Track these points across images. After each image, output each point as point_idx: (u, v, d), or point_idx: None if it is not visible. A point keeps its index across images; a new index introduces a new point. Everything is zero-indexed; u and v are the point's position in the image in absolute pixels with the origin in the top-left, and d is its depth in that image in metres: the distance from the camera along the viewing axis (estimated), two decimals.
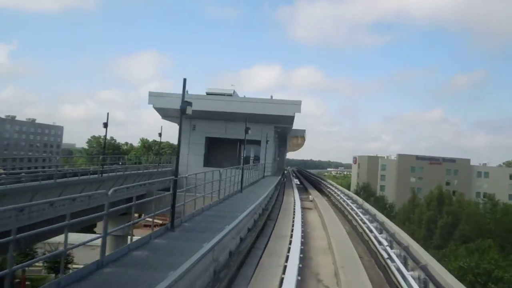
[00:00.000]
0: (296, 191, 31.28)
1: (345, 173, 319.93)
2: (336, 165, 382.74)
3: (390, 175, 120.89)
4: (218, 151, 39.56)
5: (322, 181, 40.74)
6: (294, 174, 77.31)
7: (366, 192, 74.87)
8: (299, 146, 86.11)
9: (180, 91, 10.48)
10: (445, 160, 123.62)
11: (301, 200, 26.91)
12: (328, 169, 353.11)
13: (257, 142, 36.33)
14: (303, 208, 22.96)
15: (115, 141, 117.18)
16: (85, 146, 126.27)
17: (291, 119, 34.98)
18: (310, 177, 56.74)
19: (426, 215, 53.20)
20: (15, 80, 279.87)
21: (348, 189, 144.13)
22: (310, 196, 29.16)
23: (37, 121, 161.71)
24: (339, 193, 26.82)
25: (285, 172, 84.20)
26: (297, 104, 34.05)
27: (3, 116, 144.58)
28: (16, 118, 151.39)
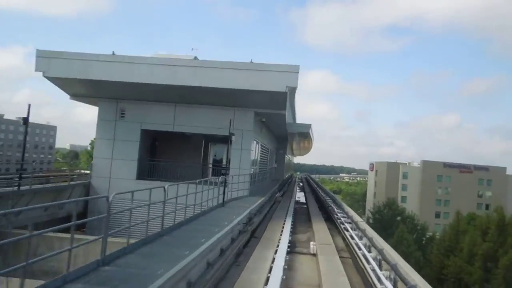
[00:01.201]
0: (288, 225, 16.63)
1: (358, 179, 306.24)
2: (349, 170, 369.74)
3: (412, 184, 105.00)
4: (166, 153, 24.87)
5: (335, 206, 25.82)
6: (300, 185, 62.46)
7: (392, 210, 59.36)
8: (307, 149, 70.89)
9: None
10: (476, 168, 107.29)
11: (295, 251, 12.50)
12: (340, 174, 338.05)
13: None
14: None
15: None
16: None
17: (281, 98, 20.06)
18: (316, 191, 41.92)
19: (482, 248, 37.76)
20: (30, 82, 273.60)
21: (364, 199, 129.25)
22: (311, 245, 14.06)
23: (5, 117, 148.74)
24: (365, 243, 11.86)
25: (291, 180, 69.15)
26: (291, 72, 19.25)
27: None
28: (6, 117, 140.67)
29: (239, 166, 21.75)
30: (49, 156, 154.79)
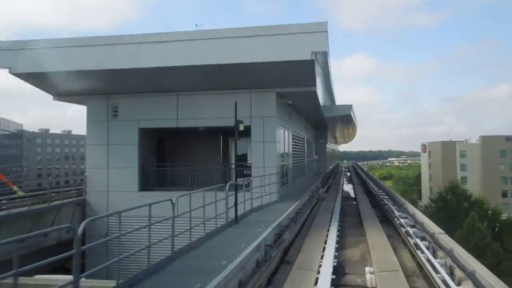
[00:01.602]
0: (333, 236, 11.79)
1: (409, 161, 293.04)
2: (398, 154, 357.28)
3: (472, 163, 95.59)
4: (179, 155, 20.54)
5: (393, 204, 20.54)
6: (347, 175, 56.67)
7: (456, 195, 52.19)
8: (351, 136, 64.89)
9: None
10: None
11: None
12: (389, 158, 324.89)
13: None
14: None
15: None
16: None
17: (307, 69, 14.94)
18: (366, 183, 36.28)
19: None
20: None
21: (419, 183, 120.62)
22: (368, 274, 9.10)
23: (73, 133, 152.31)
24: None
25: (337, 170, 63.52)
26: (317, 32, 14.15)
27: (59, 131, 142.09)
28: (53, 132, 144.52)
29: (264, 164, 16.94)
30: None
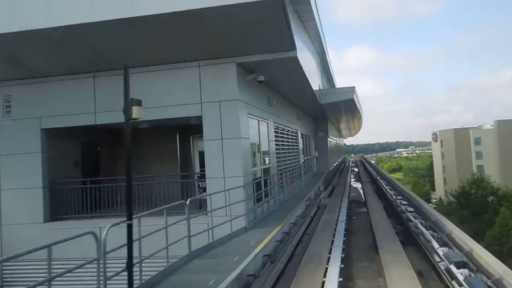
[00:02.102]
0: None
1: (418, 151, 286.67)
2: (406, 144, 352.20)
3: (488, 150, 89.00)
4: (116, 166, 14.84)
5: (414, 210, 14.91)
6: (354, 171, 50.71)
7: (481, 189, 45.95)
8: (356, 128, 58.76)
9: None
10: None
11: None
12: (397, 150, 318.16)
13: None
14: None
15: None
16: None
17: (277, 14, 9.13)
18: (377, 181, 30.28)
19: None
20: None
21: (430, 174, 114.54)
22: None
23: None
24: None
25: (343, 166, 57.55)
26: None
27: None
28: None
29: (223, 173, 11.07)
30: None
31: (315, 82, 18.47)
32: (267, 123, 15.26)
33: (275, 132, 16.68)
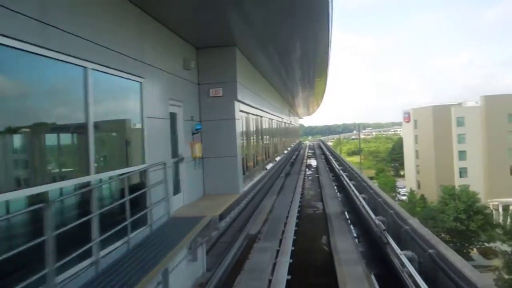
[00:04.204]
0: None
1: (374, 134, 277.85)
2: (363, 126, 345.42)
3: (472, 132, 72.77)
4: None
5: None
6: (310, 167, 31.33)
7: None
8: (318, 102, 38.97)
9: None
10: None
11: None
12: (354, 132, 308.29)
13: None
14: None
15: None
16: None
17: None
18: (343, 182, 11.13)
19: None
20: None
21: (394, 158, 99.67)
22: None
23: None
24: None
25: (286, 165, 38.19)
26: None
27: None
28: None
29: None
30: None
31: None
32: None
33: None
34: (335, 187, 19.08)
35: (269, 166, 19.69)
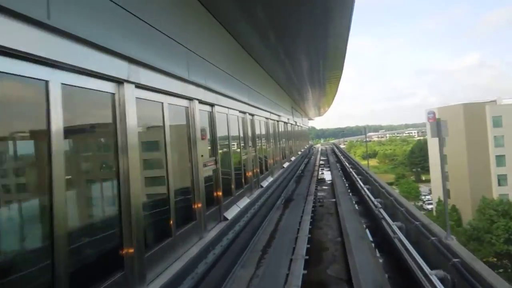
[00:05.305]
0: None
1: (388, 135, 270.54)
2: (376, 128, 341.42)
3: (510, 134, 62.88)
4: None
5: None
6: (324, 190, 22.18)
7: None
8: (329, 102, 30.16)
9: None
10: None
11: None
12: (368, 134, 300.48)
13: None
14: None
15: None
16: None
17: None
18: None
19: None
20: None
21: (413, 162, 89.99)
22: None
23: None
24: None
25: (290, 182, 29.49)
26: None
27: None
28: None
29: None
30: None
31: None
32: None
33: None
34: (367, 231, 10.03)
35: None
